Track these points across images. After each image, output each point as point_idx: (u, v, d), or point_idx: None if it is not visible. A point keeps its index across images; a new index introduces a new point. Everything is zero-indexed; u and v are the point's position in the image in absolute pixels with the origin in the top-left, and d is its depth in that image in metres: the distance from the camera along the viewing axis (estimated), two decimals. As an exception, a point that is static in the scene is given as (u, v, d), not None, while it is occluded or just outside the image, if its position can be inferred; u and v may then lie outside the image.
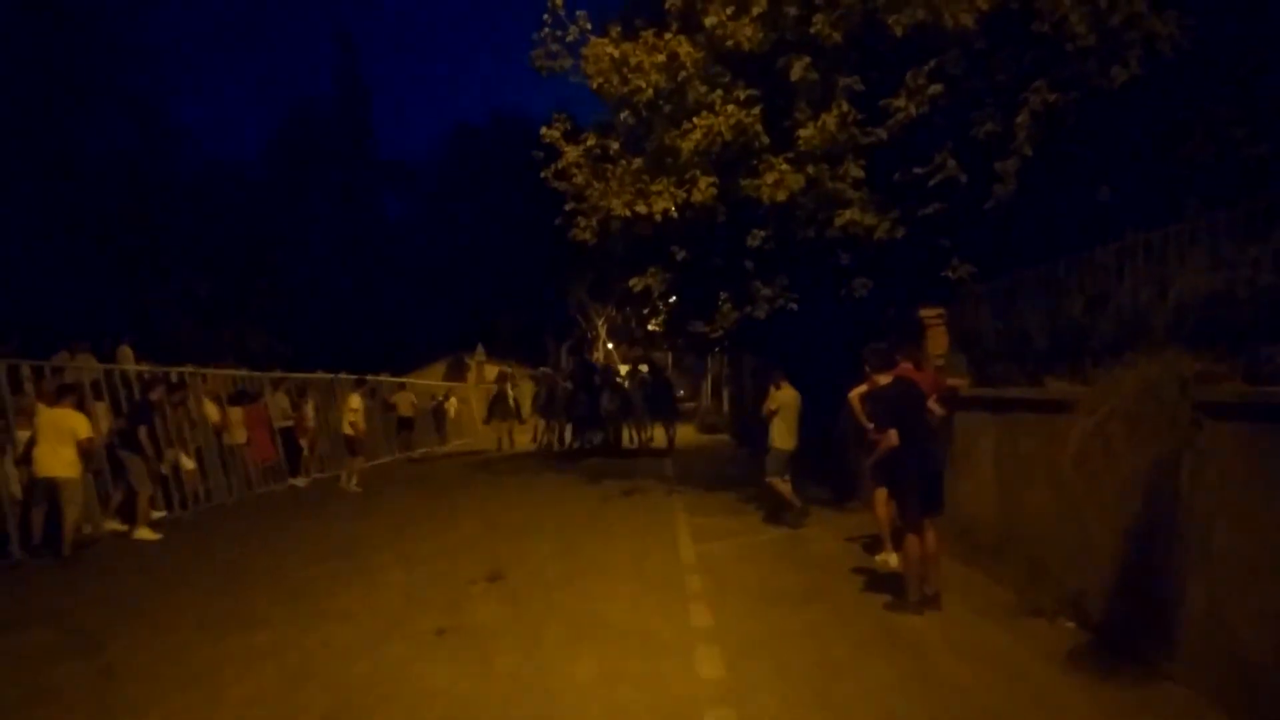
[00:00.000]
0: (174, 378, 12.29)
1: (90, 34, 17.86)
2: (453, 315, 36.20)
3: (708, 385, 32.05)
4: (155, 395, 10.81)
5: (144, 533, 9.57)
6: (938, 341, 8.46)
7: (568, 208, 11.11)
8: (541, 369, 24.59)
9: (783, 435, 9.34)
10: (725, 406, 27.89)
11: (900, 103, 8.15)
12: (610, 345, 38.31)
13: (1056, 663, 4.97)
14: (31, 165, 15.31)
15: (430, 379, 28.91)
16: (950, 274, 8.24)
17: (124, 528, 9.80)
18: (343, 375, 18.24)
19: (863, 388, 7.71)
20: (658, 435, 19.92)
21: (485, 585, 7.12)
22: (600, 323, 38.30)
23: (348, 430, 14.26)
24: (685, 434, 24.02)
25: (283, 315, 24.84)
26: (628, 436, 20.40)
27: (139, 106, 19.35)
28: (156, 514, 10.67)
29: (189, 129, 46.34)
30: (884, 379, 6.59)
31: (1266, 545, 3.88)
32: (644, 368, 23.62)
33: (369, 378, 18.24)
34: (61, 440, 8.66)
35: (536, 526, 9.90)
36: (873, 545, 7.91)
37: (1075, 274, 6.08)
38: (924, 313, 8.45)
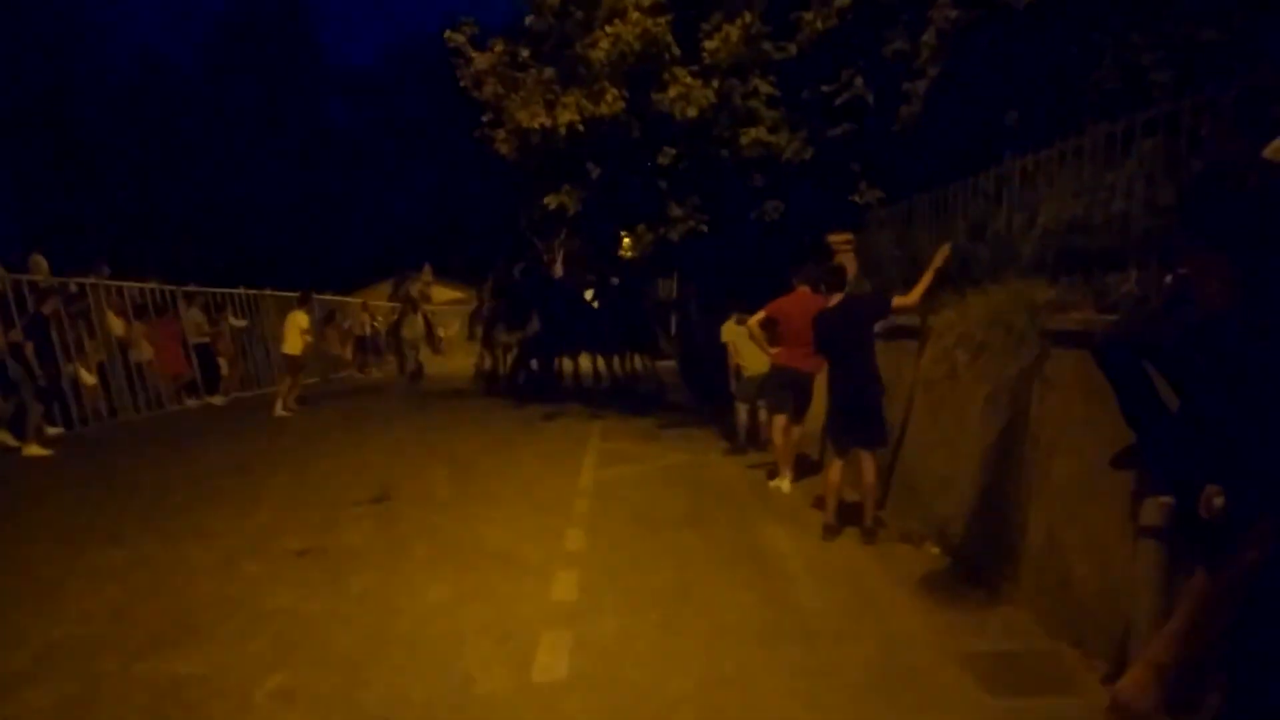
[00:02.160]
0: (73, 288, 11.82)
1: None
2: (400, 234, 35.34)
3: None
4: (48, 308, 10.42)
5: (32, 449, 9.30)
6: (847, 268, 8.35)
7: (485, 118, 10.69)
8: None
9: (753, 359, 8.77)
10: (673, 331, 27.65)
11: (809, 16, 7.84)
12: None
13: (908, 586, 5.00)
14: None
15: (376, 299, 28.37)
16: (858, 199, 8.08)
17: (16, 443, 9.54)
18: (269, 291, 17.76)
19: (761, 314, 7.61)
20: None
21: (368, 507, 7.01)
22: (557, 245, 37.60)
23: (291, 349, 13.05)
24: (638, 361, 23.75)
25: (217, 229, 23.99)
26: (589, 367, 16.63)
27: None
28: (53, 430, 10.40)
29: (114, 25, 43.70)
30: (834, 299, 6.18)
31: (1094, 473, 3.87)
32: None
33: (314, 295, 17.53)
34: None
35: (444, 449, 9.76)
36: (775, 472, 7.91)
37: (960, 200, 5.95)
38: (832, 238, 8.33)
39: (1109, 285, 3.94)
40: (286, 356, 13.30)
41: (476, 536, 6.15)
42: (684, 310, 21.18)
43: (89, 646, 4.16)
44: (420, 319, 14.39)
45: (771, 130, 8.33)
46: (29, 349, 9.51)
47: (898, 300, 5.97)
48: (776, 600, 4.81)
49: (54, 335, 10.39)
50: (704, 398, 13.40)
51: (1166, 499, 3.19)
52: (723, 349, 9.53)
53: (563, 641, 4.20)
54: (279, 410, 12.86)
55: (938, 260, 5.85)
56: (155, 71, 27.24)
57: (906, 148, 7.69)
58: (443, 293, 36.49)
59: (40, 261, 14.52)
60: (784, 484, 7.64)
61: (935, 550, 5.62)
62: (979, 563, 5.05)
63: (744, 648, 4.12)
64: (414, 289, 19.40)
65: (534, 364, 15.68)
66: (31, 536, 6.16)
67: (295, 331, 12.99)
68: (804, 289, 7.47)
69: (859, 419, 5.95)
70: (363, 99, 38.29)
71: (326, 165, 35.10)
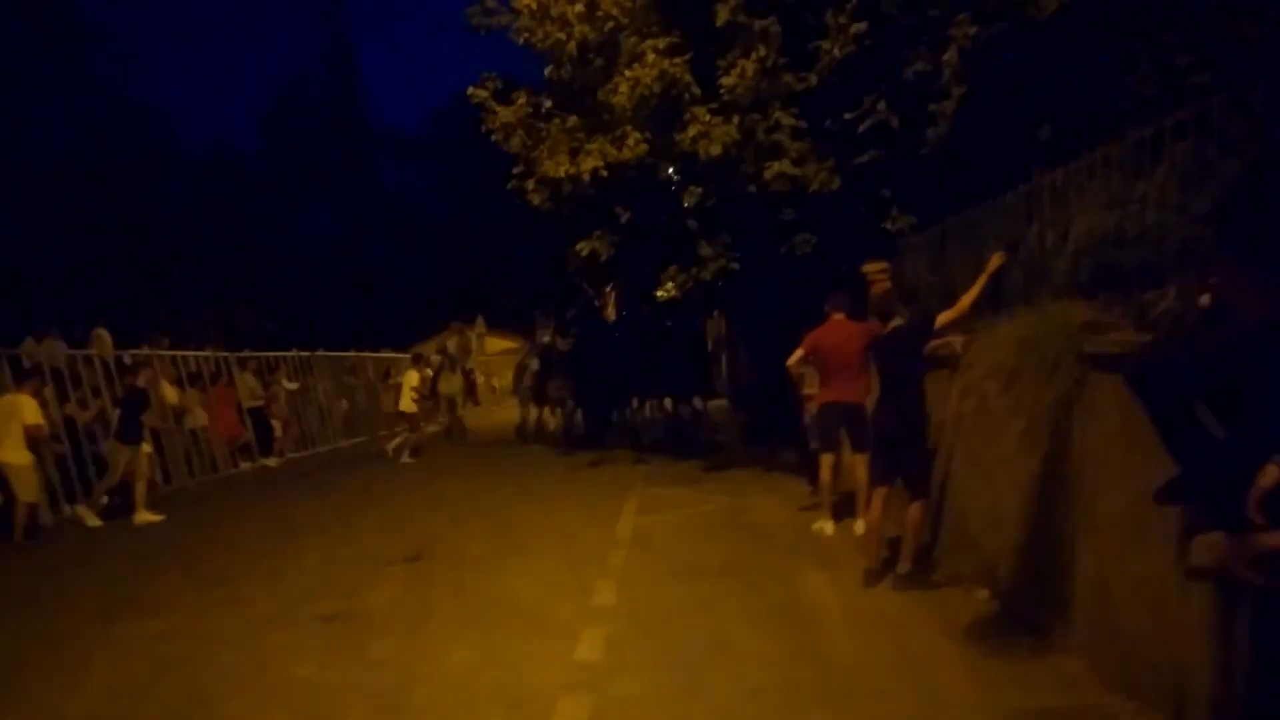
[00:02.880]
0: (126, 360, 12.14)
1: (55, 16, 17.58)
2: (452, 288, 35.88)
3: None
4: (143, 380, 10.68)
5: (145, 516, 9.56)
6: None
7: (516, 171, 10.74)
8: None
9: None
10: (724, 370, 27.38)
11: (826, 45, 7.69)
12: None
13: (953, 636, 4.68)
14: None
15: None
16: (889, 226, 7.83)
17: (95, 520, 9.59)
18: (320, 352, 18.12)
19: (799, 352, 7.36)
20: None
21: (401, 565, 6.92)
22: (608, 289, 37.67)
23: (406, 408, 14.18)
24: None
25: (272, 294, 24.67)
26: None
27: (105, 86, 19.03)
28: (104, 500, 10.61)
29: (168, 111, 45.70)
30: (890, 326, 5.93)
31: (1143, 507, 3.54)
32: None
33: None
34: (10, 426, 8.69)
35: (485, 502, 9.68)
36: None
37: (991, 220, 5.68)
38: (868, 268, 8.02)
39: (1147, 303, 3.64)
40: (402, 414, 14.38)
41: (506, 594, 5.99)
42: (734, 348, 20.81)
43: (107, 724, 4.10)
44: (458, 375, 14.40)
45: (797, 162, 8.15)
46: (116, 417, 9.79)
47: (942, 316, 5.66)
48: (811, 655, 4.53)
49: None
50: (753, 437, 13.14)
51: (1217, 536, 2.88)
52: (777, 385, 9.10)
53: (581, 708, 4.00)
54: (404, 459, 13.86)
55: (991, 266, 5.52)
56: (202, 146, 28.25)
57: (937, 171, 7.45)
58: (495, 343, 36.89)
59: (104, 335, 15.05)
60: (826, 526, 7.32)
61: (984, 594, 5.27)
62: (1028, 607, 4.70)
63: (772, 711, 3.87)
64: (450, 343, 19.15)
65: (579, 415, 15.35)
66: (70, 606, 6.21)
67: (408, 390, 14.20)
68: (839, 316, 7.22)
69: (905, 451, 5.65)
70: (410, 160, 39.38)
71: (378, 225, 35.97)
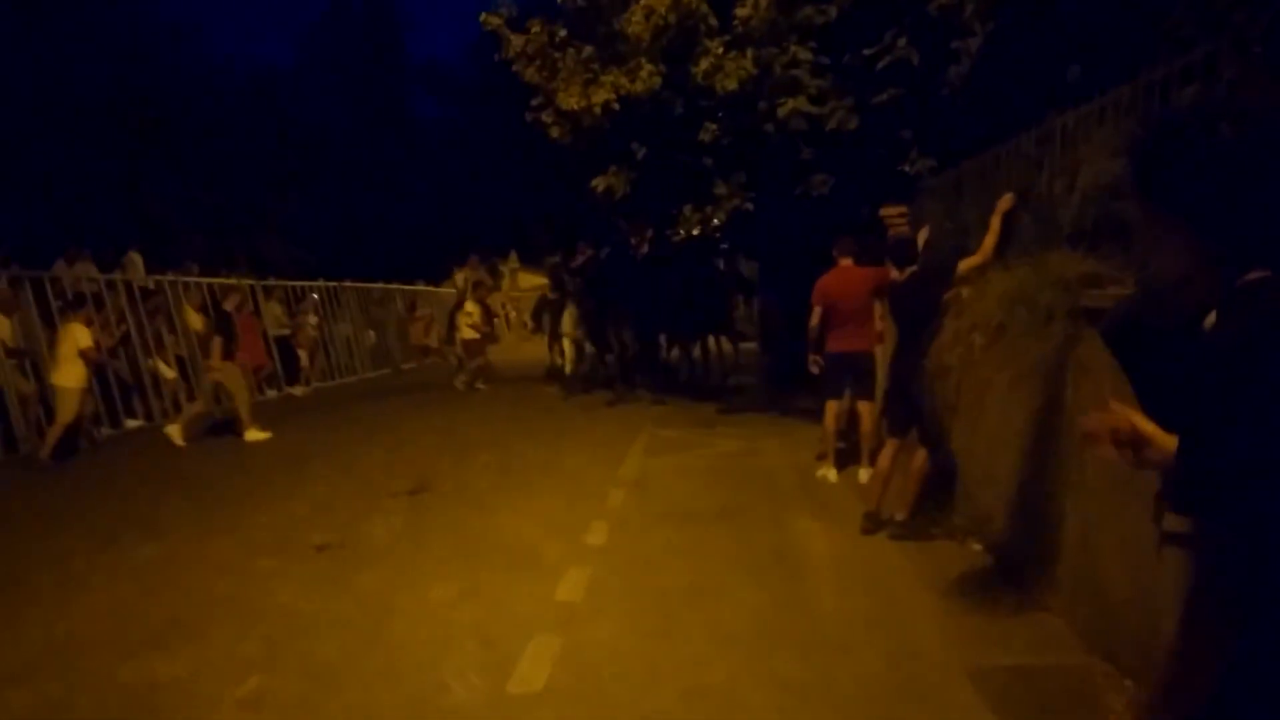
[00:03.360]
0: (151, 284, 12.29)
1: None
2: (486, 222, 35.70)
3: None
4: (231, 304, 11.06)
5: (254, 433, 9.99)
6: (918, 239, 7.82)
7: (535, 103, 10.49)
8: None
9: None
10: (755, 313, 27.03)
11: (847, -26, 7.34)
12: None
13: (939, 590, 4.60)
14: (20, 68, 15.15)
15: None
16: (908, 168, 7.54)
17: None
18: (348, 283, 18.22)
19: (815, 310, 7.15)
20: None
21: (404, 498, 6.97)
22: (644, 226, 37.19)
23: (468, 334, 14.36)
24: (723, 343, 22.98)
25: (305, 222, 24.74)
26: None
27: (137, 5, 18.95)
28: (133, 423, 10.88)
29: (198, 27, 45.49)
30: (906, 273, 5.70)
31: (1125, 464, 3.40)
32: None
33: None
34: (62, 350, 9.11)
35: (498, 437, 9.69)
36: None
37: (1006, 165, 5.43)
38: (885, 212, 7.79)
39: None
40: (463, 342, 14.57)
41: (500, 531, 6.02)
42: (764, 290, 20.33)
43: (85, 646, 4.20)
44: (473, 307, 14.06)
45: (815, 100, 7.84)
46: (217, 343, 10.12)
47: (965, 263, 5.46)
48: (790, 604, 4.49)
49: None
50: (775, 381, 12.99)
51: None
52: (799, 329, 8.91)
53: (550, 648, 4.00)
54: (459, 385, 14.14)
55: (1001, 207, 5.30)
56: (226, 73, 27.99)
57: (958, 111, 7.12)
58: (529, 279, 36.80)
59: (135, 259, 15.28)
60: (830, 474, 7.24)
61: (978, 547, 5.18)
62: (1018, 563, 4.61)
63: (739, 658, 3.84)
64: (459, 277, 18.37)
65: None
66: (78, 527, 6.40)
67: (464, 320, 14.45)
68: (846, 262, 7.03)
69: (921, 401, 5.51)
70: (447, 94, 38.95)
71: (415, 157, 35.76)
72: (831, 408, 7.38)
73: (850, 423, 7.56)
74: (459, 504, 6.77)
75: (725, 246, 12.84)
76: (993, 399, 4.25)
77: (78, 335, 9.17)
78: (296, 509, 6.71)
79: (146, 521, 6.45)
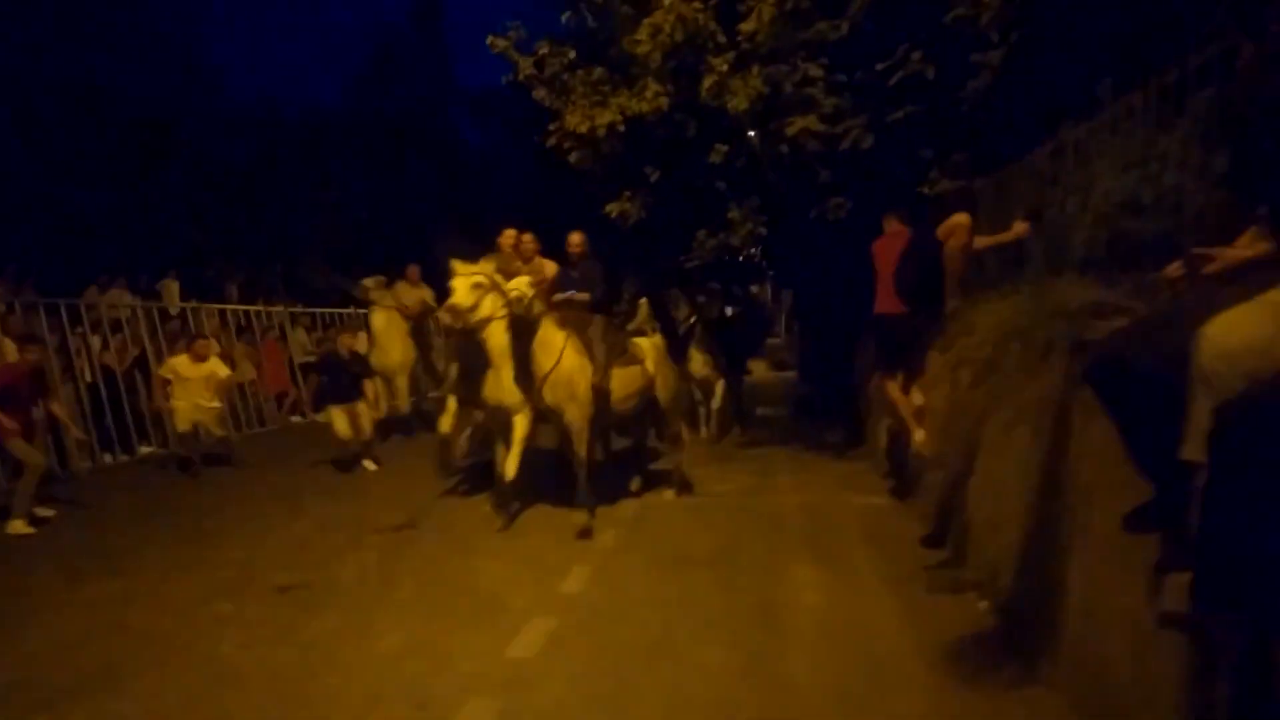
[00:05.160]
0: (173, 312, 12.31)
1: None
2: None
3: (782, 318, 30.47)
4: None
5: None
6: None
7: (552, 127, 10.21)
8: None
9: None
10: (793, 341, 26.41)
11: (858, -13, 6.93)
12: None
13: (932, 657, 4.09)
14: (58, 102, 15.51)
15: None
16: (927, 189, 7.07)
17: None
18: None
19: None
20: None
21: (388, 535, 6.68)
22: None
23: None
24: (759, 371, 22.38)
25: (347, 253, 24.95)
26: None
27: (170, 45, 19.31)
28: (146, 449, 10.80)
29: (229, 66, 46.87)
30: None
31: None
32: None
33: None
34: None
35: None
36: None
37: (1020, 183, 4.96)
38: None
39: (1154, 283, 2.98)
40: None
41: (474, 573, 5.65)
42: (800, 316, 19.68)
43: (11, 690, 3.95)
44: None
45: (826, 119, 7.42)
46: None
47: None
48: (760, 669, 4.03)
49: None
50: (806, 412, 12.49)
51: (1188, 578, 2.28)
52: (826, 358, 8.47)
53: (486, 714, 3.62)
54: None
55: (1010, 236, 4.92)
56: (271, 106, 28.46)
57: (978, 128, 6.65)
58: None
59: (171, 286, 15.42)
60: (919, 435, 6.47)
61: (983, 605, 4.66)
62: (1021, 628, 4.09)
63: (687, 733, 3.40)
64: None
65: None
66: (51, 559, 6.23)
67: None
68: (896, 225, 6.61)
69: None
70: (494, 122, 39.19)
71: (463, 179, 36.07)
72: (887, 382, 6.81)
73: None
74: (439, 542, 6.44)
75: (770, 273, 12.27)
76: (988, 441, 3.77)
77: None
78: (272, 545, 6.46)
79: (122, 555, 6.24)
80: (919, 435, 6.54)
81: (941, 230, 5.64)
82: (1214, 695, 2.40)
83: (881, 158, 7.52)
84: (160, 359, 11.27)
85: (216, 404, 10.02)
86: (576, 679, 3.96)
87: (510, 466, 6.88)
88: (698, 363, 10.69)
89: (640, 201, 9.40)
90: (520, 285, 6.51)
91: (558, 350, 6.68)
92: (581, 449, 6.84)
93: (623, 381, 7.07)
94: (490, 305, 6.50)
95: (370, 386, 9.91)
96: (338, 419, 9.39)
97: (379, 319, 11.56)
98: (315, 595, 5.27)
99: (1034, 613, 3.95)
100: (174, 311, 13.04)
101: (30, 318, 9.86)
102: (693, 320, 10.96)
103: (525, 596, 5.14)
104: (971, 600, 4.69)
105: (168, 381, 9.72)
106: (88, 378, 10.26)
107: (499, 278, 6.64)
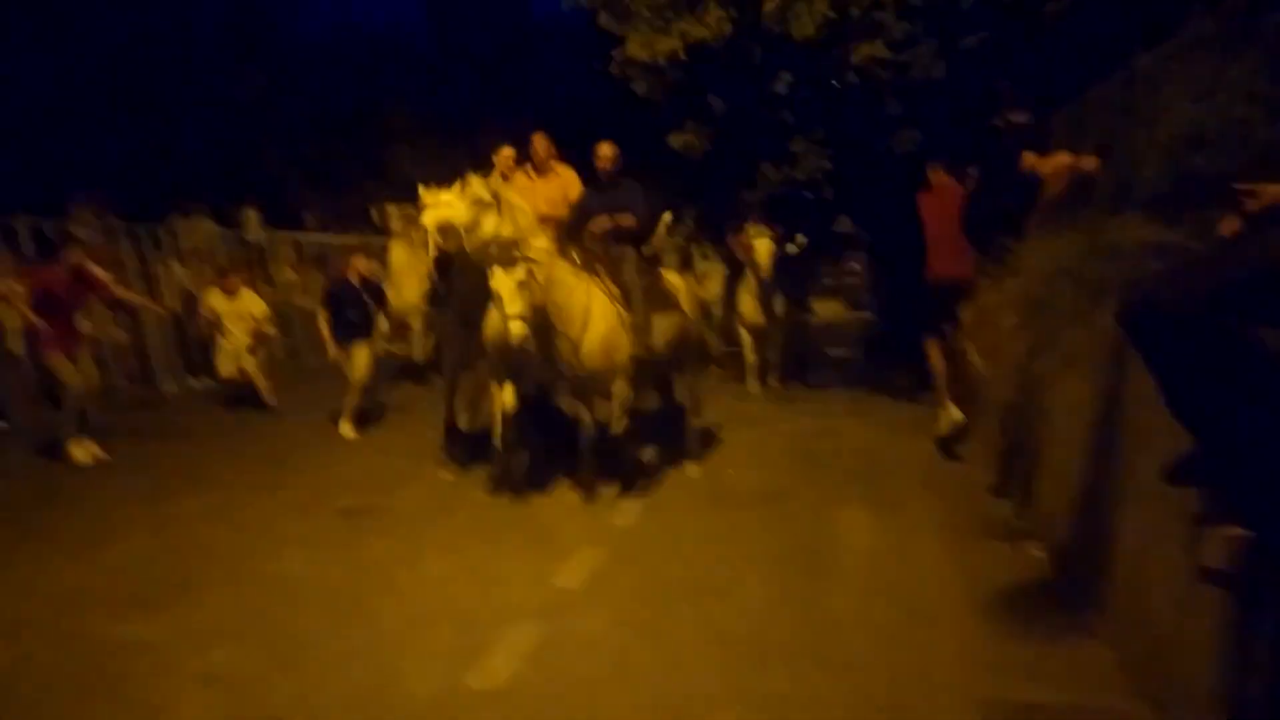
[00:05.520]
0: (251, 240, 12.67)
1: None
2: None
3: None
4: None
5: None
6: None
7: (614, 54, 9.95)
8: None
9: None
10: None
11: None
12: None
13: (978, 601, 4.04)
14: (134, 30, 15.85)
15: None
16: (999, 123, 6.72)
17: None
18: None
19: None
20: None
21: (450, 466, 6.81)
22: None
23: None
24: (832, 311, 21.97)
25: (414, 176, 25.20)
26: None
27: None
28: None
29: None
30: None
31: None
32: None
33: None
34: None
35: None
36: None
37: (1091, 116, 4.68)
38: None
39: (1214, 223, 2.79)
40: None
41: (527, 505, 5.76)
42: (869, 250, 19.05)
43: (83, 602, 4.20)
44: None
45: (894, 45, 7.09)
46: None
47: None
48: (801, 607, 4.05)
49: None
50: (875, 354, 12.28)
51: (1235, 530, 2.19)
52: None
53: (526, 640, 3.71)
54: None
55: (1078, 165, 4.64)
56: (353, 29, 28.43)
57: (1057, 56, 6.26)
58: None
59: (252, 215, 15.78)
60: (953, 413, 6.47)
61: (1038, 553, 4.57)
62: (1075, 578, 4.00)
63: (720, 669, 3.44)
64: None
65: None
66: (129, 477, 6.55)
67: None
68: (941, 177, 6.38)
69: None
70: (567, 47, 38.65)
71: (537, 114, 35.85)
72: (933, 346, 6.69)
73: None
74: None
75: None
76: (1042, 385, 3.65)
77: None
78: (339, 470, 6.71)
79: (203, 474, 6.57)
80: (954, 412, 6.42)
81: (1041, 164, 5.15)
82: (1254, 653, 2.32)
83: (952, 88, 7.17)
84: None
85: (254, 352, 9.39)
86: (618, 609, 4.04)
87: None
88: (748, 306, 9.58)
89: (704, 133, 9.20)
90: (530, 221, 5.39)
91: (584, 305, 5.37)
92: (618, 425, 5.79)
93: (660, 334, 5.84)
94: (493, 227, 5.20)
95: (381, 323, 8.76)
96: (358, 356, 8.01)
97: (399, 253, 10.36)
98: (376, 519, 5.47)
99: (1086, 562, 3.86)
100: (252, 240, 13.41)
101: (113, 242, 10.24)
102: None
103: (577, 529, 5.25)
104: (1029, 548, 4.60)
105: (211, 323, 9.34)
106: (168, 304, 10.66)
107: (512, 193, 5.46)
